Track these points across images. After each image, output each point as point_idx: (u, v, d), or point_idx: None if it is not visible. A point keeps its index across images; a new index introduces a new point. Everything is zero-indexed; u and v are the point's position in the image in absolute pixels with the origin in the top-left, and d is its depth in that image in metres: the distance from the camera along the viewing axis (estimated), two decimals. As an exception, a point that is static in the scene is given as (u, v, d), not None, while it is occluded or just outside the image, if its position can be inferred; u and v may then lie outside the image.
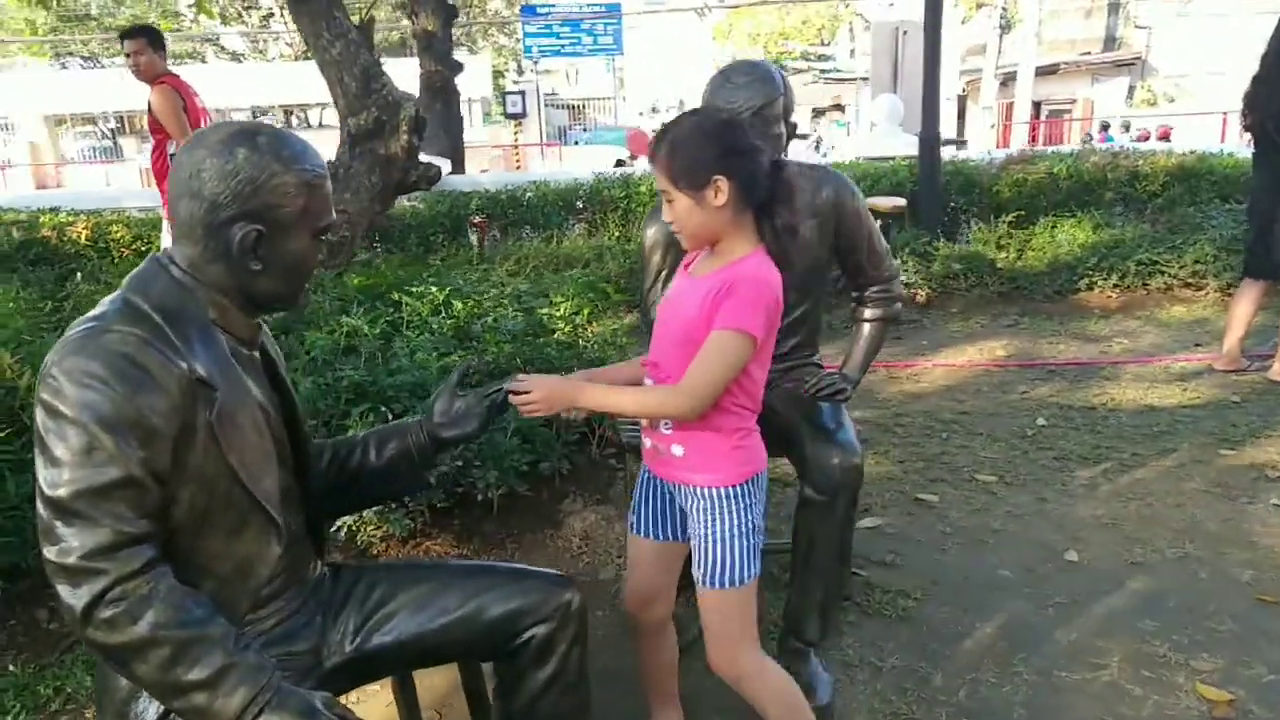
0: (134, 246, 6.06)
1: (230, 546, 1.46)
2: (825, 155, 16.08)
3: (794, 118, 2.38)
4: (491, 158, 21.97)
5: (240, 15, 25.34)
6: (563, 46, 23.09)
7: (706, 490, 1.80)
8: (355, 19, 3.95)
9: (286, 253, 1.48)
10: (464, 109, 27.69)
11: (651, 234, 2.51)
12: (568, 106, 25.43)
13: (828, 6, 31.04)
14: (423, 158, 7.63)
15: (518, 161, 21.18)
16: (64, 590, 1.28)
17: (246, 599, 1.49)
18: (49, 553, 1.28)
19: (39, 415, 1.31)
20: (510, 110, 22.52)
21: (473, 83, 25.70)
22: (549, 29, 22.90)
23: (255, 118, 24.54)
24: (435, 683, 2.33)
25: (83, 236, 5.88)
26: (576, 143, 23.54)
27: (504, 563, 1.86)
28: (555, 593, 1.72)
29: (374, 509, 2.74)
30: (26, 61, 26.95)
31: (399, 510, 2.79)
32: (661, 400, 1.75)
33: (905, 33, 8.58)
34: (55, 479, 1.28)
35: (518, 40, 24.55)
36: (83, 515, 1.27)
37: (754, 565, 1.83)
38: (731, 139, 1.71)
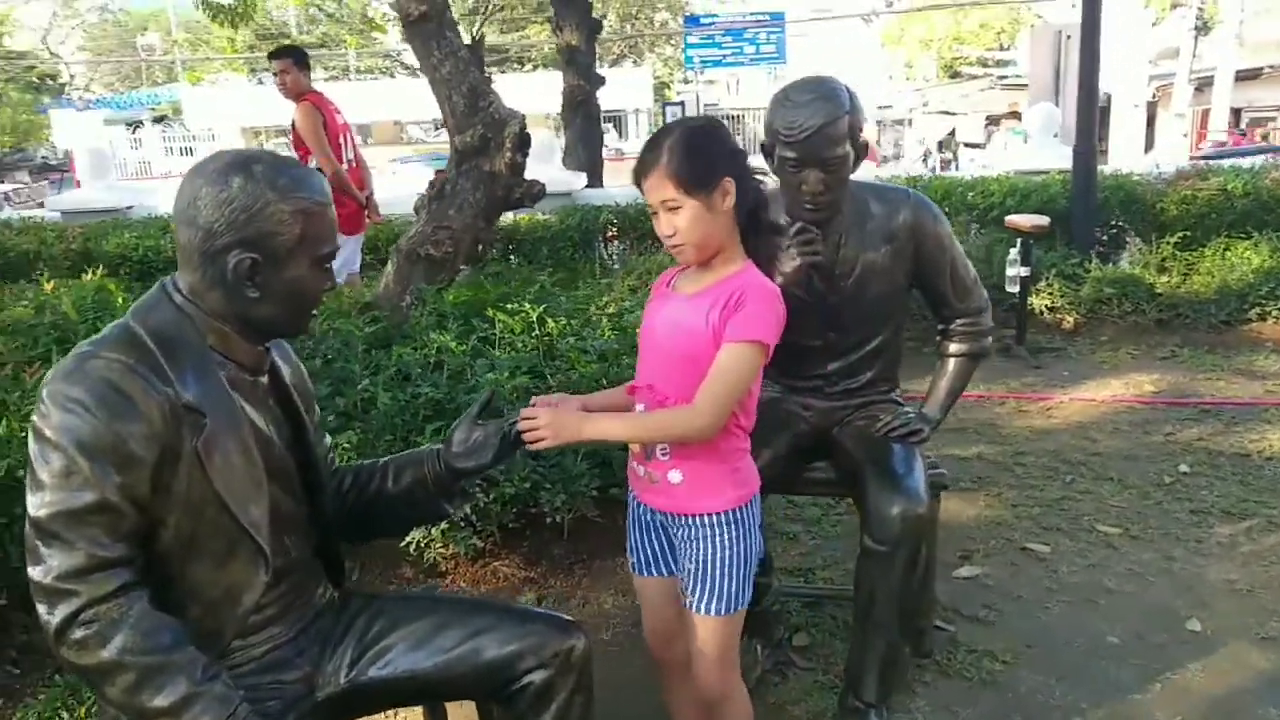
0: None
1: (217, 573, 1.46)
2: (935, 170, 15.43)
3: (865, 136, 2.22)
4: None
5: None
6: (724, 57, 23.02)
7: (707, 517, 1.75)
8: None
9: (284, 280, 1.48)
10: (629, 120, 28.28)
11: None
12: (728, 117, 25.33)
13: (1008, 9, 29.63)
14: (559, 172, 7.78)
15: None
16: (42, 609, 1.31)
17: (233, 626, 1.49)
18: (31, 572, 1.32)
19: (29, 437, 1.36)
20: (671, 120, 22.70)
21: (635, 94, 26.09)
22: (711, 39, 22.92)
23: (436, 129, 25.94)
24: (469, 711, 2.30)
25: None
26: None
27: (513, 604, 1.80)
28: (556, 638, 1.65)
29: (441, 527, 2.76)
30: (228, 77, 29.34)
31: (466, 529, 2.79)
32: (676, 421, 1.69)
33: (1069, 36, 8.00)
34: (38, 501, 1.31)
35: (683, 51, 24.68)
36: (60, 537, 1.30)
37: (749, 589, 1.81)
38: (730, 139, 1.71)
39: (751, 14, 22.87)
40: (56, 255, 6.17)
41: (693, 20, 23.52)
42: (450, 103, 3.78)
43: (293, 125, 5.22)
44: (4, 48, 30.08)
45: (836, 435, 2.44)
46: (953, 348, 2.45)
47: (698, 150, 1.65)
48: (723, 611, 1.77)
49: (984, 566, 3.08)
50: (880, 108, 29.25)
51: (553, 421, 1.66)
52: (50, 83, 33.58)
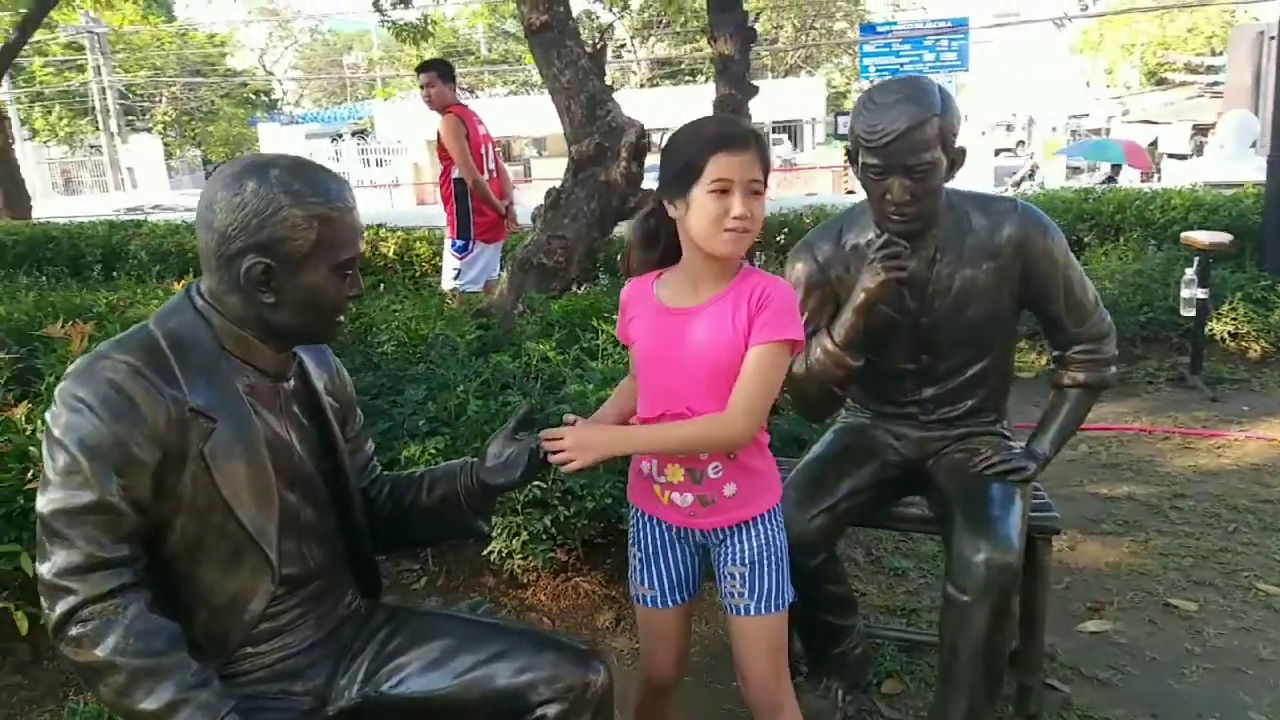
0: (433, 261, 6.62)
1: (223, 578, 1.45)
2: (1039, 184, 14.34)
3: (960, 143, 2.01)
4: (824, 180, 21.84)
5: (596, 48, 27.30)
6: (902, 65, 22.35)
7: (761, 518, 1.75)
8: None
9: (300, 287, 1.45)
10: (804, 130, 27.90)
11: (800, 269, 2.20)
12: (904, 126, 24.59)
13: (1220, 11, 27.31)
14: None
15: (846, 183, 20.82)
16: (44, 603, 1.33)
17: (239, 632, 1.48)
18: (37, 566, 1.35)
19: (44, 434, 1.39)
20: (843, 131, 22.25)
21: (807, 104, 25.70)
22: (888, 47, 22.30)
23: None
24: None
25: (391, 251, 6.54)
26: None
27: (535, 629, 1.71)
28: (571, 670, 1.56)
29: (522, 538, 2.71)
30: (418, 93, 30.95)
31: (548, 541, 2.74)
32: (712, 429, 1.63)
33: (1272, 37, 7.17)
34: (44, 498, 1.34)
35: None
36: (60, 535, 1.32)
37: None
38: None
39: (932, 21, 22.09)
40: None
41: (869, 29, 22.99)
42: (569, 112, 3.77)
43: (437, 136, 5.37)
44: (225, 67, 32.94)
45: (931, 469, 2.23)
46: (1068, 377, 2.19)
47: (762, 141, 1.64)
48: (782, 606, 1.77)
49: (1116, 622, 2.75)
50: (1073, 116, 27.58)
51: (578, 442, 1.60)
52: (263, 99, 36.46)
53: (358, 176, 25.94)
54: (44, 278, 6.98)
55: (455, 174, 5.36)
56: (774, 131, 26.11)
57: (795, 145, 27.95)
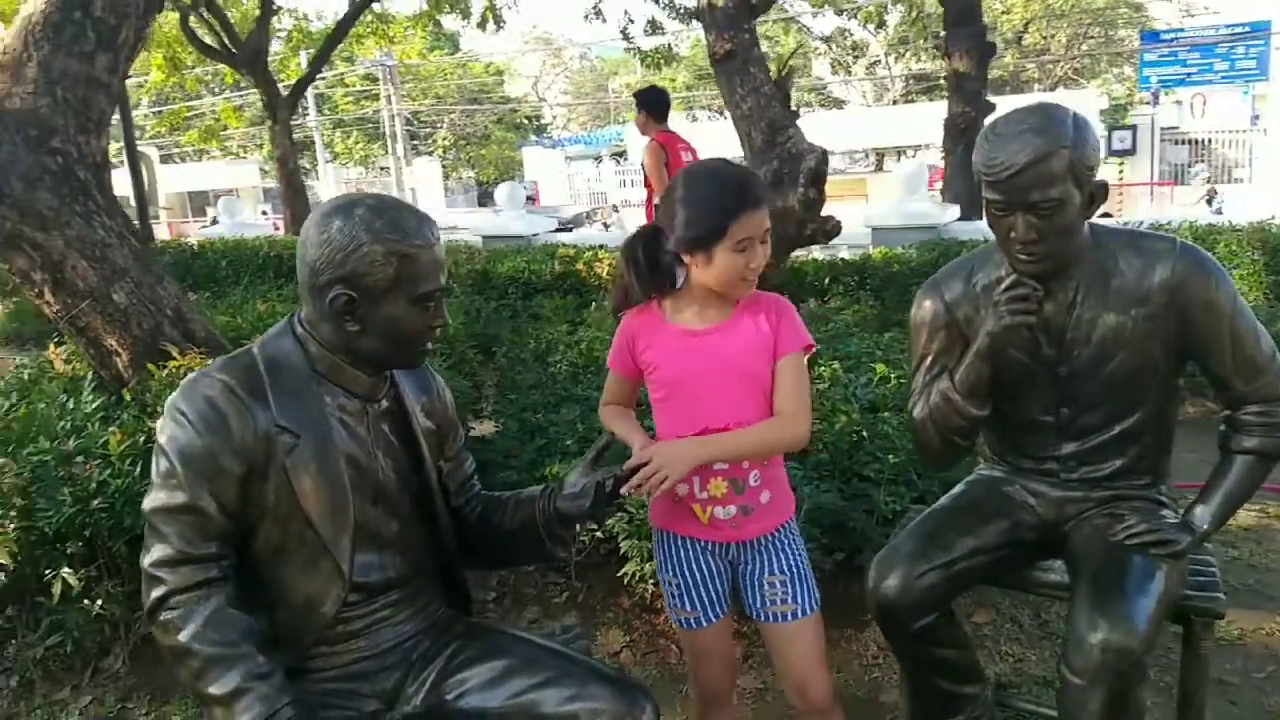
0: (614, 278, 6.79)
1: (301, 581, 1.59)
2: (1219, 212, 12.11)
3: (1100, 178, 1.81)
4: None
5: (848, 66, 26.93)
6: (1188, 75, 20.30)
7: (788, 523, 1.89)
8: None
9: (381, 317, 1.56)
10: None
11: (925, 309, 2.08)
12: (1189, 141, 22.16)
13: None
14: (926, 205, 7.36)
15: (1120, 203, 19.12)
16: (143, 589, 1.51)
17: (313, 631, 1.60)
18: (141, 558, 1.54)
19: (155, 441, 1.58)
20: (1116, 146, 20.47)
21: (1077, 118, 23.80)
22: (1173, 55, 20.30)
23: (854, 160, 26.04)
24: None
25: (604, 272, 6.78)
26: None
27: (590, 658, 1.72)
28: (615, 704, 1.57)
29: (654, 564, 2.73)
30: (669, 116, 31.83)
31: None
32: (777, 433, 1.78)
33: None
34: (149, 497, 1.52)
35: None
36: (157, 530, 1.50)
37: None
38: None
39: (1226, 26, 19.85)
40: (463, 275, 7.10)
41: (1151, 36, 21.07)
42: (749, 138, 3.77)
43: (642, 163, 5.52)
44: (499, 94, 35.48)
45: (1070, 532, 2.02)
46: (1239, 442, 1.91)
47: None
48: (819, 605, 1.88)
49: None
50: None
51: (666, 458, 1.69)
52: (533, 123, 38.87)
53: (616, 197, 27.02)
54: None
55: (656, 200, 5.49)
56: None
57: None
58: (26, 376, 3.42)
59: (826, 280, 6.39)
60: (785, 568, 1.85)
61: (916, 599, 1.93)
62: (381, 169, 32.57)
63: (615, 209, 23.07)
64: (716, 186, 1.74)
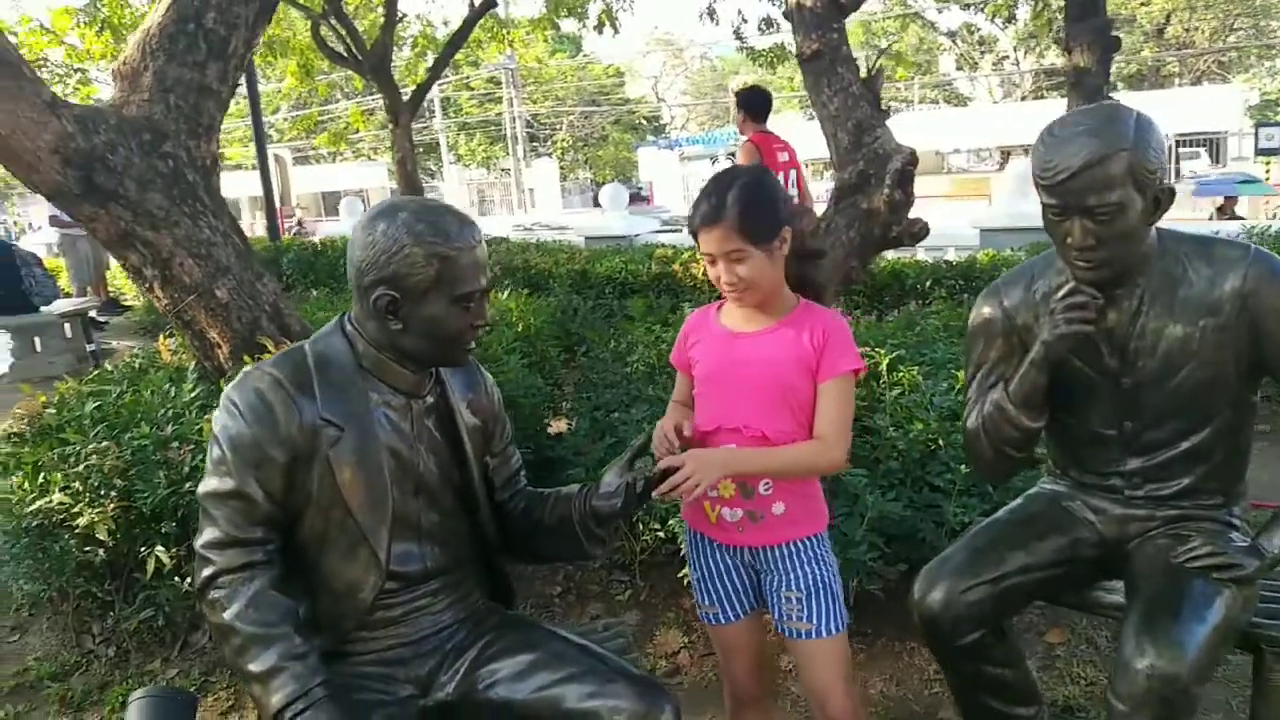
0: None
1: (342, 567, 1.66)
2: None
3: (1166, 182, 1.72)
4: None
5: (974, 62, 26.04)
6: (1350, 66, 18.84)
7: (810, 539, 1.85)
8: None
9: (423, 317, 1.62)
10: (1227, 144, 24.44)
11: (984, 315, 2.02)
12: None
13: None
14: (1031, 205, 7.03)
15: (1268, 203, 17.93)
16: (195, 569, 1.62)
17: (353, 616, 1.67)
18: (195, 538, 1.64)
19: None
20: (1264, 144, 19.23)
21: (1218, 116, 22.45)
22: (1334, 46, 18.90)
23: (982, 158, 25.29)
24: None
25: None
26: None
27: (612, 656, 1.74)
28: (638, 702, 1.59)
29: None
30: (787, 115, 31.58)
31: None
32: (812, 455, 1.78)
33: None
34: (203, 481, 1.62)
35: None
36: (208, 513, 1.60)
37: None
38: (780, 188, 1.82)
39: None
40: (563, 274, 7.21)
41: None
42: (835, 139, 3.71)
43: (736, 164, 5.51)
44: (618, 95, 35.85)
45: (1132, 552, 1.93)
46: (1320, 462, 1.79)
47: (762, 204, 1.74)
48: (842, 627, 1.85)
49: None
50: None
51: (699, 464, 1.69)
52: (651, 124, 39.11)
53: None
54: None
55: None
56: (1183, 145, 23.20)
57: (1215, 160, 24.56)
58: (137, 365, 3.67)
59: (929, 283, 6.22)
60: (804, 585, 1.84)
61: (961, 614, 1.88)
62: (502, 170, 33.39)
63: None
64: (695, 202, 1.81)
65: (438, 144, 30.89)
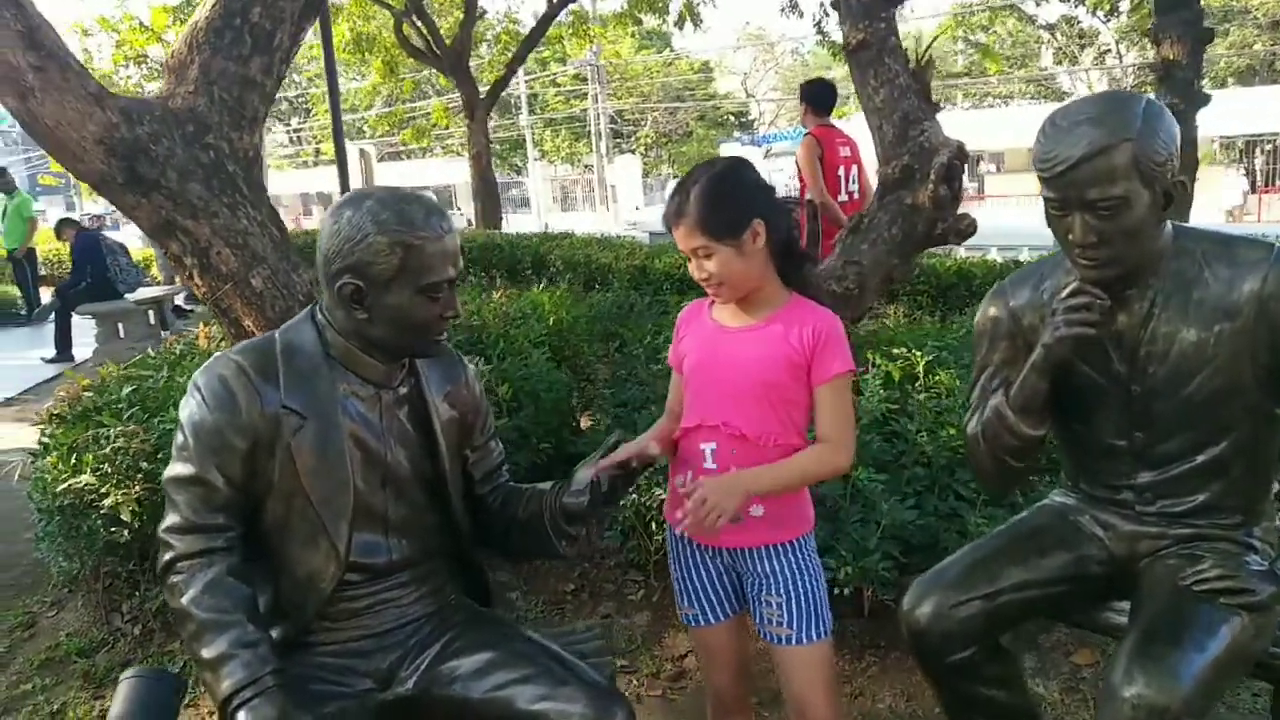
0: None
1: (303, 556, 1.66)
2: None
3: (1178, 175, 1.59)
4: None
5: (1073, 55, 25.08)
6: None
7: (792, 543, 1.80)
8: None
9: (388, 306, 1.61)
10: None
11: (989, 315, 1.92)
12: None
13: None
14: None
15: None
16: (160, 551, 1.63)
17: (312, 606, 1.67)
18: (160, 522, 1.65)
19: None
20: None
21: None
22: None
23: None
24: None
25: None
26: None
27: (567, 656, 1.70)
28: (588, 707, 1.55)
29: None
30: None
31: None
32: (821, 461, 1.75)
33: None
34: (168, 466, 1.64)
35: None
36: (170, 498, 1.61)
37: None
38: (753, 179, 1.74)
39: None
40: (622, 270, 7.19)
41: None
42: (880, 132, 3.58)
43: (795, 160, 5.39)
44: (704, 91, 35.68)
45: (1142, 571, 1.80)
46: (1349, 483, 1.64)
47: (725, 197, 1.69)
48: (825, 634, 1.80)
49: None
50: None
51: (718, 500, 1.63)
52: (737, 120, 38.83)
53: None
54: (486, 279, 8.17)
55: (808, 195, 5.34)
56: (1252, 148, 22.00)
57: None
58: (178, 351, 3.77)
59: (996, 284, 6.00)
60: (785, 589, 1.79)
61: (950, 630, 1.78)
62: (586, 166, 33.57)
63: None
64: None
65: (523, 140, 31.21)
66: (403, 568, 1.75)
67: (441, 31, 12.29)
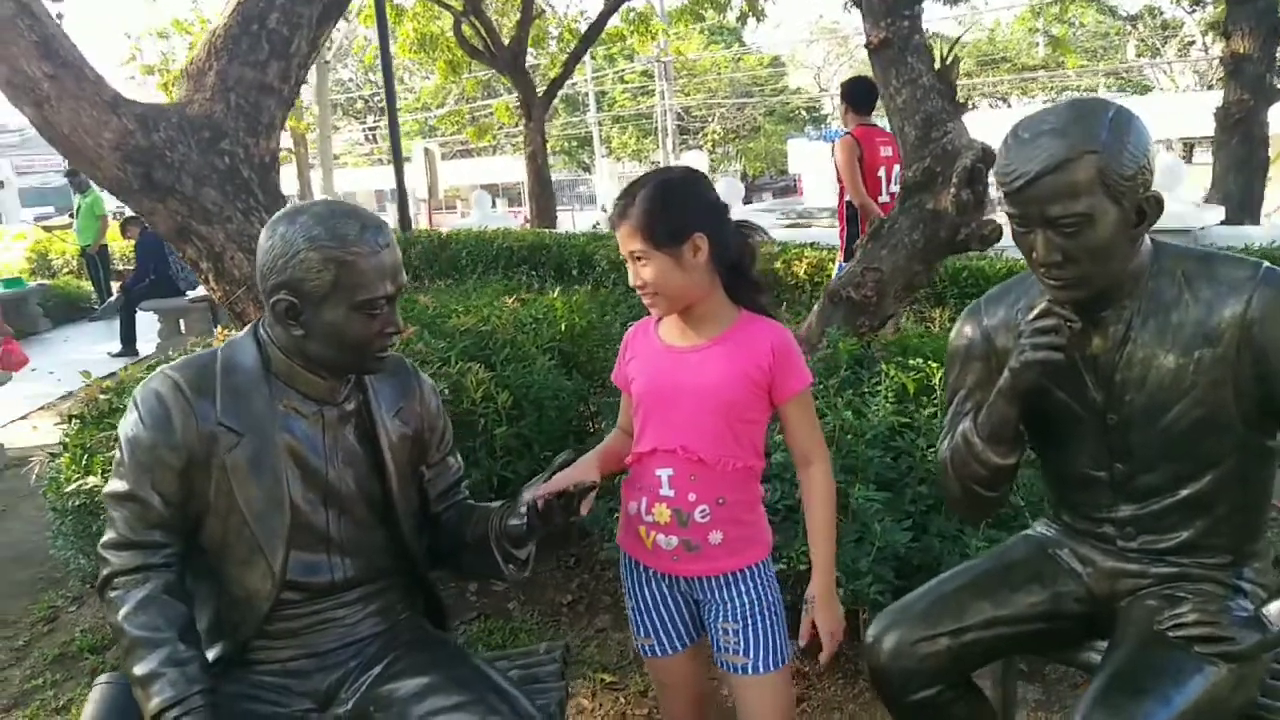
0: (811, 277, 6.54)
1: (240, 575, 1.64)
2: None
3: (1151, 190, 1.47)
4: None
5: (1156, 48, 24.13)
6: None
7: (749, 570, 1.75)
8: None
9: (323, 323, 1.59)
10: None
11: (962, 336, 1.81)
12: None
13: None
14: (1180, 206, 6.41)
15: None
16: (99, 566, 1.63)
17: (249, 625, 1.65)
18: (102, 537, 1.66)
19: None
20: None
21: None
22: None
23: (1166, 148, 23.35)
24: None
25: (802, 271, 6.56)
26: None
27: (501, 683, 1.65)
28: None
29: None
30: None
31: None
32: (828, 491, 1.77)
33: None
34: (109, 481, 1.64)
35: None
36: (109, 513, 1.61)
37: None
38: (708, 191, 1.70)
39: None
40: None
41: None
42: (902, 134, 3.46)
43: (834, 158, 5.27)
44: (773, 86, 35.32)
45: (1120, 611, 1.68)
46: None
47: (668, 205, 1.63)
48: (782, 663, 1.75)
49: None
50: None
51: (827, 618, 1.74)
52: (809, 114, 38.31)
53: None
54: (534, 278, 8.19)
55: (848, 196, 5.21)
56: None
57: None
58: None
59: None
60: (741, 616, 1.73)
61: (911, 667, 1.69)
62: (653, 163, 33.54)
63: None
64: None
65: (591, 137, 31.32)
66: (348, 587, 1.73)
67: (503, 32, 12.38)
